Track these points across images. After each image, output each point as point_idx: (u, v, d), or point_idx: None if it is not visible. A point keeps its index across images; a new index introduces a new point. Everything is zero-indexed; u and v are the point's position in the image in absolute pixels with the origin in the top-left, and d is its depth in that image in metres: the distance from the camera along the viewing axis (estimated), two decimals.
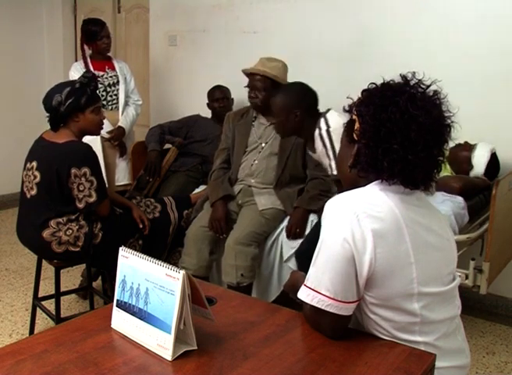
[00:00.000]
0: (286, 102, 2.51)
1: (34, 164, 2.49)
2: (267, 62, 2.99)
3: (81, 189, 2.47)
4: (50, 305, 2.77)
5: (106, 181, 2.85)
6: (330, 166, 2.43)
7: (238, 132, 3.09)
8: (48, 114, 2.53)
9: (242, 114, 3.14)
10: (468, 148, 2.99)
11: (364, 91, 1.35)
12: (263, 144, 3.03)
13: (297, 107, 2.49)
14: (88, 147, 2.52)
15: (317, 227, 2.46)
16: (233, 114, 3.19)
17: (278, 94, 2.58)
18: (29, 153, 2.60)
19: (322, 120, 2.44)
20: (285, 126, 2.55)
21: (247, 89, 3.02)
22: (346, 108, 1.39)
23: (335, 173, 2.36)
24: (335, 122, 2.40)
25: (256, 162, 3.02)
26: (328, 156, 2.42)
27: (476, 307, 3.17)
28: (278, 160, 2.98)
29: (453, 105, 1.32)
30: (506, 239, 2.65)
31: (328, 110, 2.50)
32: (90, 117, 2.55)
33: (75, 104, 2.49)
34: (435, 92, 1.31)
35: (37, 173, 2.47)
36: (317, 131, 2.45)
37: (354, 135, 1.32)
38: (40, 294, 2.85)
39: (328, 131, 2.40)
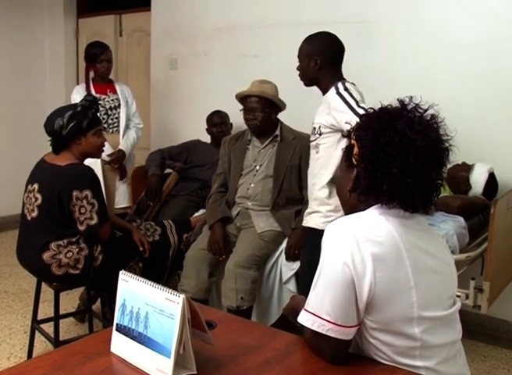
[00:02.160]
0: (310, 48, 2.47)
1: (36, 186, 2.50)
2: (260, 84, 3.03)
3: (82, 211, 2.47)
4: (49, 327, 2.75)
5: (106, 204, 2.86)
6: (357, 114, 2.19)
7: (233, 156, 3.11)
8: (49, 137, 2.55)
9: (237, 138, 3.17)
10: (466, 168, 3.00)
11: (362, 116, 1.37)
12: (257, 167, 3.05)
13: (319, 54, 2.43)
14: (90, 169, 2.54)
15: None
16: (229, 139, 3.23)
17: (305, 39, 2.52)
18: (30, 175, 2.61)
19: (340, 83, 2.38)
20: (305, 72, 2.49)
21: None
22: (345, 133, 1.41)
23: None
24: (352, 87, 2.36)
25: (252, 185, 3.03)
26: (351, 109, 2.25)
27: (477, 331, 3.14)
28: (273, 183, 2.99)
29: (451, 128, 1.34)
30: (507, 258, 2.65)
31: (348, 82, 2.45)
32: (91, 140, 2.57)
33: (77, 127, 2.51)
34: (433, 116, 1.32)
35: (38, 195, 2.48)
36: (333, 91, 2.37)
37: (353, 159, 1.34)
38: (39, 316, 2.83)
39: (346, 89, 2.33)
